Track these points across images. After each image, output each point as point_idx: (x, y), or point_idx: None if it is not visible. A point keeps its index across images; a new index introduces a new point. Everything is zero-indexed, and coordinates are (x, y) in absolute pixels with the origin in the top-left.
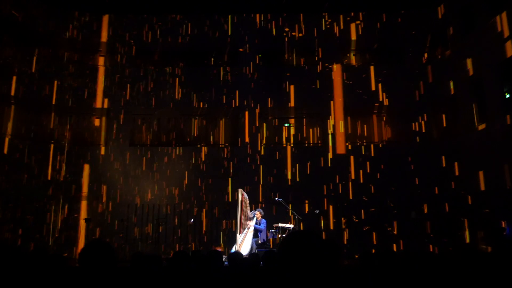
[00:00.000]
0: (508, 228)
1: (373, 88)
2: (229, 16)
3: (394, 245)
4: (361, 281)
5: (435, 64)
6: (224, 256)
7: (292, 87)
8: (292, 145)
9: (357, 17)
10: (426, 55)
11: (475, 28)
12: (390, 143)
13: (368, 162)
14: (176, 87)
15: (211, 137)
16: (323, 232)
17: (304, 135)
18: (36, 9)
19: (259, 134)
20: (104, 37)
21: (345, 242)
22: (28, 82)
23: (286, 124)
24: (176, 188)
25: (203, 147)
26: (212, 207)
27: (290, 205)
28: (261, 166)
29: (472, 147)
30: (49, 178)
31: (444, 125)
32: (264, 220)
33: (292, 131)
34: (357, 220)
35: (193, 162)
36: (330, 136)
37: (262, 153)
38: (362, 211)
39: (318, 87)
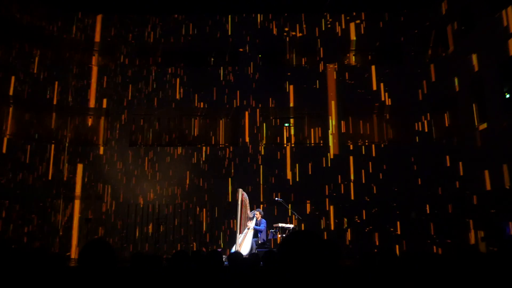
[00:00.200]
0: (508, 228)
1: (374, 87)
2: (229, 16)
3: (397, 246)
4: (361, 281)
5: (436, 63)
6: (224, 256)
7: (292, 87)
8: (293, 145)
9: (358, 17)
10: (430, 52)
11: (475, 28)
12: (392, 143)
13: (370, 163)
14: (177, 87)
15: (212, 137)
16: (325, 233)
17: (306, 135)
18: (36, 10)
19: (259, 134)
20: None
21: (347, 243)
22: (27, 82)
23: (286, 124)
24: (176, 188)
25: (203, 147)
26: (213, 207)
27: (290, 205)
28: (261, 166)
29: (475, 147)
30: (50, 178)
31: (447, 124)
32: (264, 220)
33: (292, 131)
34: (358, 221)
35: (193, 162)
36: (331, 136)
37: (263, 153)
38: (364, 211)
39: (317, 87)
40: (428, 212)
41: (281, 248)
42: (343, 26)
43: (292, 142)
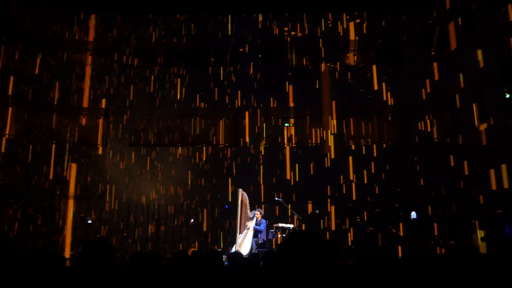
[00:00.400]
0: (508, 228)
1: (376, 87)
2: (229, 16)
3: (399, 247)
4: (361, 281)
5: (437, 63)
6: (224, 256)
7: (292, 87)
8: (294, 145)
9: (359, 16)
10: (430, 51)
11: (475, 27)
12: (394, 143)
13: (372, 163)
14: (178, 88)
15: (213, 137)
16: (327, 233)
17: (307, 135)
18: (37, 10)
19: (260, 134)
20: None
21: (350, 243)
22: (27, 82)
23: (286, 124)
24: (176, 188)
25: (203, 147)
26: (213, 207)
27: (289, 205)
28: (261, 166)
29: (478, 146)
30: (50, 177)
31: (448, 124)
32: (264, 221)
33: (292, 131)
34: (360, 222)
35: (194, 162)
36: (332, 137)
37: (263, 153)
38: (365, 212)
39: (318, 87)
40: (430, 212)
41: (281, 248)
42: (344, 26)
43: (293, 142)
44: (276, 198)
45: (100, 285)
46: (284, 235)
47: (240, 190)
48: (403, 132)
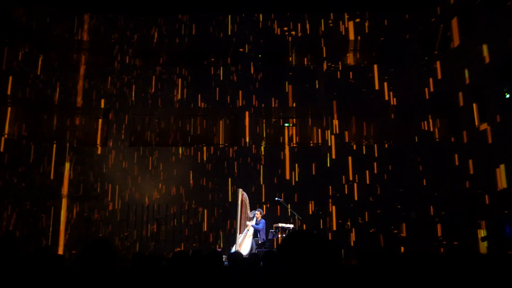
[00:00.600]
0: (508, 228)
1: (377, 87)
2: (229, 16)
3: (402, 248)
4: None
5: (438, 62)
6: (224, 256)
7: (293, 87)
8: (294, 145)
9: (359, 16)
10: (431, 50)
11: (476, 27)
12: (396, 143)
13: (375, 163)
14: (179, 88)
15: (214, 137)
16: (329, 234)
17: (308, 135)
18: (37, 10)
19: (260, 134)
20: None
21: (352, 244)
22: (27, 82)
23: (286, 124)
24: (176, 188)
25: (204, 147)
26: (213, 207)
27: (289, 205)
28: (261, 166)
29: (480, 146)
30: (51, 177)
31: (450, 123)
32: (263, 221)
33: (294, 131)
34: (361, 221)
35: (194, 162)
36: (332, 137)
37: (263, 153)
38: (366, 213)
39: (319, 87)
40: (432, 213)
41: (281, 248)
42: (346, 25)
43: (294, 142)
44: (276, 198)
45: (100, 285)
46: (284, 235)
47: (240, 190)
48: (405, 132)
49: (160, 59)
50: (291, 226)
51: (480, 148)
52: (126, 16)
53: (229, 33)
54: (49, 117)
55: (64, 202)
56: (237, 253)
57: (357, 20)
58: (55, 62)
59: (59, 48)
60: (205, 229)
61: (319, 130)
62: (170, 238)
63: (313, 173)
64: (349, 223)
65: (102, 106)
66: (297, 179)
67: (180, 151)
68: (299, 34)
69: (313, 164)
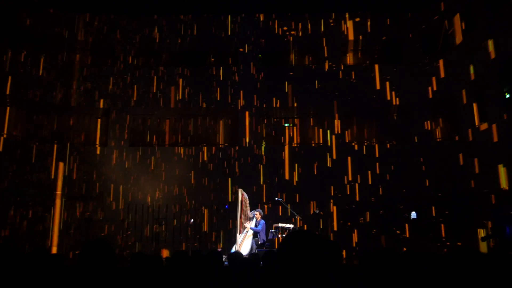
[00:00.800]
0: (508, 228)
1: (378, 87)
2: (229, 16)
3: (404, 249)
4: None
5: (439, 62)
6: (224, 256)
7: (294, 87)
8: (295, 145)
9: (360, 16)
10: (435, 50)
11: (476, 27)
12: (399, 143)
13: (377, 163)
14: (180, 88)
15: (214, 137)
16: (331, 234)
17: (309, 135)
18: (37, 11)
19: (261, 134)
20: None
21: (354, 245)
22: (27, 82)
23: (286, 124)
24: (177, 189)
25: (205, 147)
26: (213, 207)
27: (289, 205)
28: (261, 166)
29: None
30: (52, 177)
31: (452, 123)
32: (262, 221)
33: (295, 131)
34: (363, 222)
35: (195, 162)
36: (333, 137)
37: (263, 153)
38: (368, 213)
39: (320, 86)
40: (434, 214)
41: (281, 248)
42: (347, 25)
43: (295, 142)
44: (276, 198)
45: (100, 285)
46: (284, 235)
47: (240, 190)
48: (407, 132)
49: (160, 59)
50: (291, 226)
51: (483, 148)
52: (127, 16)
53: (229, 33)
54: (50, 117)
55: (58, 202)
56: (237, 253)
57: (357, 19)
58: (56, 63)
59: (60, 48)
60: (206, 229)
61: (320, 130)
62: (170, 238)
63: (315, 173)
64: (349, 223)
65: (102, 106)
66: (298, 179)
67: (181, 151)
68: (300, 34)
69: (315, 164)
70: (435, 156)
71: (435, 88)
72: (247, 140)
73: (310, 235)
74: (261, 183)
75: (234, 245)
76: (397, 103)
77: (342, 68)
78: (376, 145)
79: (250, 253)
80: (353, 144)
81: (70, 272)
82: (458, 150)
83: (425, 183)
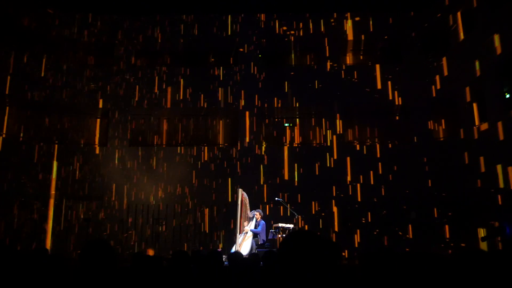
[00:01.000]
0: (508, 228)
1: (379, 86)
2: (229, 16)
3: (407, 250)
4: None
5: (439, 64)
6: (224, 256)
7: (295, 87)
8: (296, 145)
9: (362, 16)
10: (440, 47)
11: (476, 27)
12: (401, 143)
13: (380, 163)
14: (181, 88)
15: (215, 137)
16: (333, 235)
17: (310, 135)
18: (35, 10)
19: (261, 135)
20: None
21: (356, 245)
22: (27, 82)
23: (286, 124)
24: (177, 189)
25: (205, 147)
26: (213, 207)
27: (288, 205)
28: (261, 166)
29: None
30: (53, 176)
31: (454, 123)
32: (263, 222)
33: (296, 131)
34: (364, 222)
35: (195, 162)
36: (334, 137)
37: (263, 153)
38: (369, 214)
39: (321, 86)
40: (439, 214)
41: (281, 248)
42: (349, 25)
43: (296, 142)
44: (276, 198)
45: (100, 285)
46: (284, 235)
47: (240, 190)
48: (409, 131)
49: (161, 59)
50: (291, 226)
51: (486, 147)
52: (127, 17)
53: (229, 33)
54: (50, 117)
55: (51, 202)
56: (237, 253)
57: (357, 18)
58: (59, 63)
59: (62, 49)
60: (207, 230)
61: (322, 130)
62: (171, 239)
63: (316, 173)
64: (350, 224)
65: (103, 106)
66: (300, 180)
67: (182, 151)
68: (301, 34)
69: (317, 165)
70: (438, 155)
71: (438, 87)
72: (247, 140)
73: (310, 235)
74: (261, 183)
75: (234, 245)
76: (399, 103)
77: (344, 68)
78: (378, 145)
79: (250, 253)
80: (355, 144)
81: (71, 272)
82: (461, 150)
83: (428, 183)
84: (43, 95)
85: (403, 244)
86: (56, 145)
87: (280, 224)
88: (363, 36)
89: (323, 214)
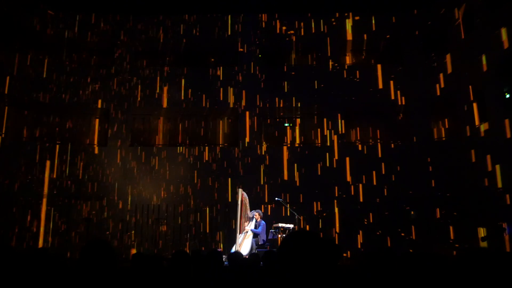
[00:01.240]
0: (508, 228)
1: (381, 86)
2: (229, 16)
3: (411, 251)
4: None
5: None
6: (224, 256)
7: (296, 87)
8: (299, 145)
9: (363, 15)
10: (442, 46)
11: (476, 27)
12: (404, 143)
13: (383, 163)
14: (182, 88)
15: (215, 137)
16: (336, 236)
17: (312, 135)
18: (35, 10)
19: (263, 135)
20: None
21: (359, 246)
22: (27, 82)
23: (286, 124)
24: (178, 189)
25: (206, 147)
26: (213, 207)
27: (288, 205)
28: (262, 166)
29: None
30: (54, 176)
31: (458, 122)
32: (263, 222)
33: (297, 132)
34: (366, 223)
35: (195, 162)
36: (335, 137)
37: (263, 153)
38: (371, 214)
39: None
40: (443, 215)
41: (281, 248)
42: (350, 24)
43: (297, 142)
44: (276, 198)
45: (100, 285)
46: (284, 235)
47: (240, 190)
48: (412, 131)
49: (162, 59)
50: (291, 226)
51: (488, 147)
52: (128, 17)
53: (230, 33)
54: (50, 117)
55: (44, 201)
56: (237, 253)
57: (357, 17)
58: (59, 64)
59: (63, 49)
60: (207, 230)
61: (323, 130)
62: (172, 239)
63: (318, 174)
64: (352, 225)
65: (104, 106)
66: (301, 180)
67: (181, 151)
68: (302, 33)
69: (319, 165)
70: (441, 155)
71: (441, 86)
72: (247, 140)
73: (310, 235)
74: (261, 183)
75: (234, 245)
76: (401, 103)
77: (346, 67)
78: (379, 145)
79: (250, 253)
80: (356, 144)
81: (71, 272)
82: (463, 149)
83: (431, 183)
84: (44, 95)
85: (406, 245)
86: (58, 145)
87: (280, 224)
88: (365, 36)
89: (324, 214)
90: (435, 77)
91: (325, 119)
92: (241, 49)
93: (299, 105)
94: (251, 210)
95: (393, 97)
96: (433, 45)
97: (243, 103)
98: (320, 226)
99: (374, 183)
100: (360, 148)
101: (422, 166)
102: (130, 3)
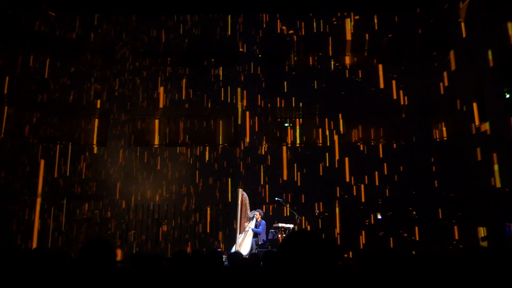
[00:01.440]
0: (508, 228)
1: (382, 86)
2: (229, 16)
3: (414, 252)
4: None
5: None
6: (224, 256)
7: (296, 86)
8: (301, 145)
9: (363, 15)
10: (436, 50)
11: (476, 27)
12: (407, 143)
13: (385, 164)
14: (183, 88)
15: (215, 137)
16: (338, 237)
17: (313, 135)
18: (37, 10)
19: (263, 135)
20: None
21: (361, 247)
22: (27, 82)
23: (287, 124)
24: (178, 189)
25: (206, 147)
26: (214, 207)
27: (288, 204)
28: (262, 166)
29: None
30: (55, 176)
31: (460, 122)
32: (263, 222)
33: (297, 132)
34: (367, 224)
35: (195, 162)
36: (336, 137)
37: (263, 153)
38: (372, 215)
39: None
40: (446, 215)
41: (281, 248)
42: (352, 24)
43: (298, 143)
44: (276, 198)
45: (100, 285)
46: (284, 235)
47: (240, 190)
48: (413, 131)
49: (163, 60)
50: (291, 226)
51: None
52: (129, 17)
53: (230, 33)
54: (51, 118)
55: (38, 201)
56: (237, 253)
57: (357, 17)
58: (60, 64)
59: (64, 49)
60: (208, 230)
61: (324, 130)
62: (172, 239)
63: (320, 174)
64: (353, 226)
65: (104, 106)
66: (303, 180)
67: (184, 151)
68: (303, 33)
69: (320, 165)
70: (442, 155)
71: (443, 85)
72: (247, 140)
73: (310, 235)
74: (261, 183)
75: (234, 245)
76: (403, 103)
77: (347, 67)
78: (381, 145)
79: (250, 253)
80: (358, 144)
81: (70, 271)
82: (465, 149)
83: (434, 183)
84: (44, 96)
85: (409, 246)
86: (58, 145)
87: (280, 224)
88: (366, 35)
89: (326, 214)
90: (436, 77)
91: (326, 119)
92: (242, 49)
93: (300, 105)
94: (251, 210)
95: (395, 97)
96: (434, 45)
97: (244, 103)
98: (320, 226)
99: (376, 184)
100: (361, 148)
101: (424, 166)
102: (132, 4)
